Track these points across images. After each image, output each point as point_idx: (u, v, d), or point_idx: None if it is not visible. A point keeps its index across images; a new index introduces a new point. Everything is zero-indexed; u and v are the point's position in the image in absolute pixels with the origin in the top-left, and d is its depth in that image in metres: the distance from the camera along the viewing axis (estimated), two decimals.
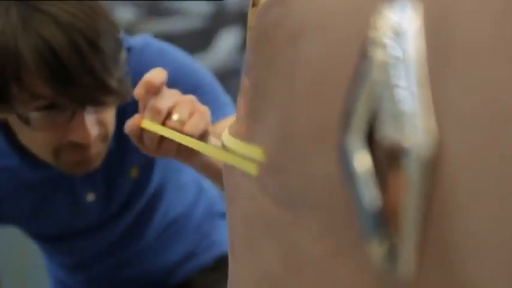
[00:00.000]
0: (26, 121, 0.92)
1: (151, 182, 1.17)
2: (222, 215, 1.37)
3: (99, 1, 0.92)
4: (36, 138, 0.96)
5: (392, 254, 0.30)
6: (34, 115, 0.92)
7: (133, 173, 1.14)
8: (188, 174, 1.28)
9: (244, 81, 0.40)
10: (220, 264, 1.31)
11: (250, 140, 0.39)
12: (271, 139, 0.36)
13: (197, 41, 2.58)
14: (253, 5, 0.43)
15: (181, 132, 0.75)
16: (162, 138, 0.77)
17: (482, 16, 0.28)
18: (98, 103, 0.92)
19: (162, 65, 0.88)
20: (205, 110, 0.78)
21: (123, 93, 0.93)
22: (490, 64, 0.27)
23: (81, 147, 0.96)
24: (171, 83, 0.80)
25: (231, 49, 2.68)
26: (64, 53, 0.86)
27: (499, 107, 0.27)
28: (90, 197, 1.12)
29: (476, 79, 0.28)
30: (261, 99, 0.37)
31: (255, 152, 0.38)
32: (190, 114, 0.77)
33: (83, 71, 0.87)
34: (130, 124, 0.78)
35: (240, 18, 2.59)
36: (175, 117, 0.77)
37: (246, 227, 0.40)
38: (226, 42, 2.68)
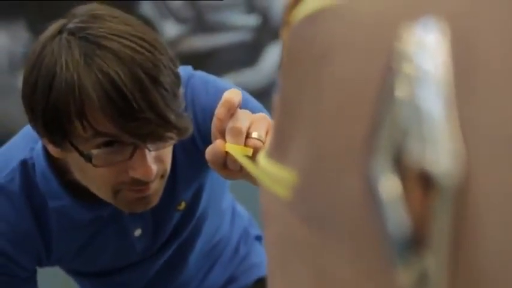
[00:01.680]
0: (88, 158, 0.92)
1: (197, 212, 1.17)
2: (258, 238, 1.36)
3: (158, 36, 0.93)
4: (97, 176, 0.96)
5: (422, 282, 0.29)
6: (95, 152, 0.92)
7: (181, 206, 1.14)
8: (226, 200, 1.28)
9: (276, 101, 0.39)
10: (260, 287, 1.30)
11: (282, 162, 0.38)
12: (300, 160, 0.36)
13: (243, 56, 2.58)
14: (285, 23, 0.42)
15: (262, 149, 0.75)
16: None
17: (508, 39, 0.27)
18: (159, 138, 0.92)
19: (207, 95, 0.88)
20: None
21: (183, 128, 0.93)
22: None
23: (141, 184, 0.96)
24: None
25: (277, 64, 2.68)
26: (127, 89, 0.87)
27: None
28: (137, 232, 1.12)
29: (504, 104, 0.26)
30: (290, 120, 0.37)
31: (287, 173, 0.37)
32: (267, 131, 0.77)
33: (145, 106, 0.88)
34: (213, 151, 0.77)
35: None
36: (254, 135, 0.76)
37: (279, 249, 0.39)
38: (273, 56, 2.68)
